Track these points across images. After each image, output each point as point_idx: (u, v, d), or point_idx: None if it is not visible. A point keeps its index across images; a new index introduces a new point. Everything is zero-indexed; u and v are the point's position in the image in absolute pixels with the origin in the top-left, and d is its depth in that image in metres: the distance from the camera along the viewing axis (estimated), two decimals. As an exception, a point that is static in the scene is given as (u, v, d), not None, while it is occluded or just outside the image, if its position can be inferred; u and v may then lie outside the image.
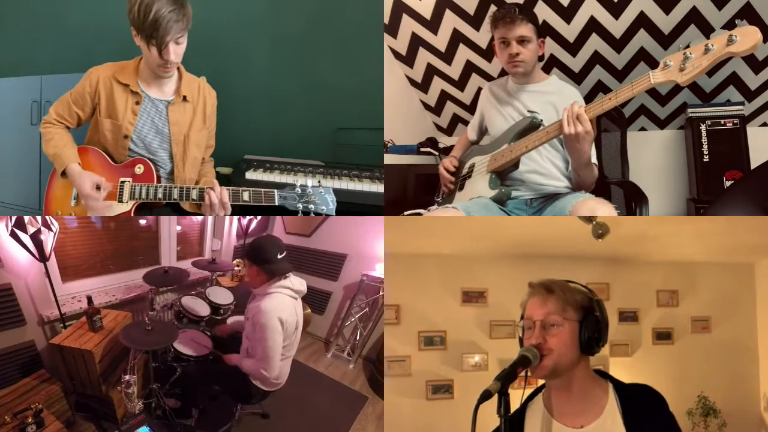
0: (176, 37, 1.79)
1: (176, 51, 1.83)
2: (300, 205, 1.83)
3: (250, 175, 2.33)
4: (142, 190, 1.89)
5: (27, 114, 2.60)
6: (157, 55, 1.80)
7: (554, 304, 1.16)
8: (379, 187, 2.28)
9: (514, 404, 1.19)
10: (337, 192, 1.92)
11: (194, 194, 1.86)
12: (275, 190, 1.83)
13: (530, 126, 2.08)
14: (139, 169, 1.93)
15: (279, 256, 2.21)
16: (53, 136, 1.95)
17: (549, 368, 1.14)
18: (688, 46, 1.59)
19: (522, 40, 2.09)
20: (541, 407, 1.22)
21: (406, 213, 2.30)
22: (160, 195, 1.89)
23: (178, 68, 1.98)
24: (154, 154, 1.98)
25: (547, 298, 1.17)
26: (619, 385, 1.18)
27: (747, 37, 1.49)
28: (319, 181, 1.89)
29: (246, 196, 1.83)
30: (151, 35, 1.76)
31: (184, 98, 1.98)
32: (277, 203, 1.83)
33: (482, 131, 2.50)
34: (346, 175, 2.32)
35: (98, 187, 1.88)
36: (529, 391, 1.25)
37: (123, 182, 1.91)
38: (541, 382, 1.25)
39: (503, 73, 2.46)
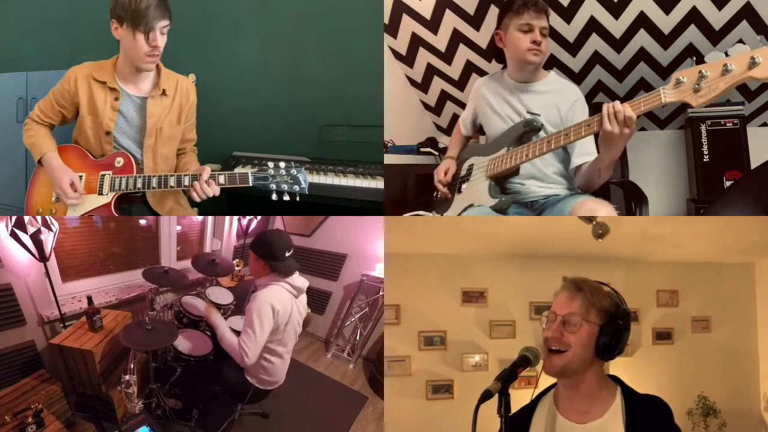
0: (162, 27, 1.84)
1: (162, 40, 1.88)
2: (273, 186, 1.87)
3: (238, 171, 2.33)
4: (121, 182, 1.94)
5: (12, 111, 2.58)
6: (144, 42, 1.84)
7: (579, 303, 1.18)
8: (367, 183, 2.30)
9: (517, 404, 1.21)
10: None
11: (172, 181, 1.90)
12: (249, 172, 1.89)
13: (530, 129, 2.06)
14: (118, 162, 1.97)
15: (287, 254, 2.22)
16: (32, 126, 2.01)
17: (559, 367, 1.16)
18: (699, 55, 1.50)
19: (544, 33, 2.07)
20: (550, 401, 1.25)
21: (406, 215, 2.30)
22: (139, 184, 1.93)
23: (157, 64, 2.01)
24: (136, 148, 2.01)
25: (574, 296, 1.19)
26: (627, 391, 1.20)
27: None
28: (291, 162, 1.93)
29: (222, 179, 1.89)
30: (139, 22, 1.80)
31: (164, 92, 2.01)
32: (251, 184, 1.88)
33: (475, 127, 2.47)
34: (331, 171, 2.33)
35: (74, 189, 1.92)
36: (541, 388, 1.28)
37: (103, 175, 1.95)
38: (542, 385, 1.27)
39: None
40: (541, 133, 2.05)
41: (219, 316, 2.32)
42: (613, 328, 1.17)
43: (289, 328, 2.28)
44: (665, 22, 2.80)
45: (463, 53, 3.33)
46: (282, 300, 2.19)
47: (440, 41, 3.32)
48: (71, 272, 2.86)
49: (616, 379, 1.23)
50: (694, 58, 2.80)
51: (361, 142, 2.48)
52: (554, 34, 3.01)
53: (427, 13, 3.18)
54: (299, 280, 2.29)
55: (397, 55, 3.51)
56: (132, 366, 2.18)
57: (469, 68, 3.42)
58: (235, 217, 4.02)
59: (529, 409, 1.26)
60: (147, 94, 1.99)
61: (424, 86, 3.69)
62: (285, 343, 2.31)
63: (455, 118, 3.83)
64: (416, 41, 3.37)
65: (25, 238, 2.24)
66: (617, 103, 1.65)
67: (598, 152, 1.84)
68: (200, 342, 2.55)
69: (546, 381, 1.27)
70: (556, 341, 1.16)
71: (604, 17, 2.88)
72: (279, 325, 2.19)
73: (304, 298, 2.37)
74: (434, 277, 2.85)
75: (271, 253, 2.19)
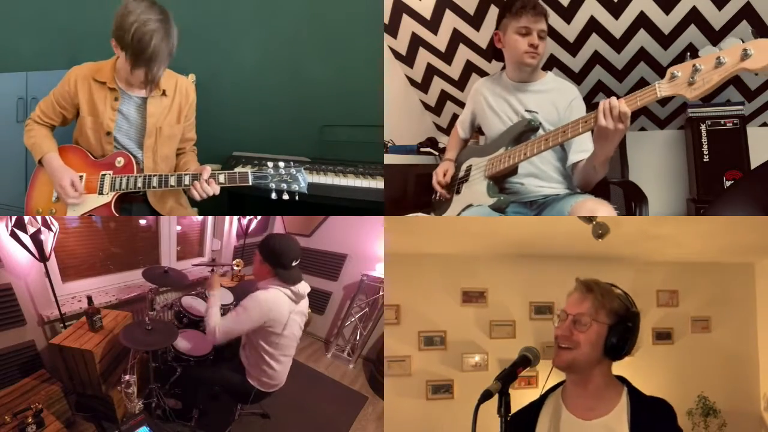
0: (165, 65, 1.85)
1: (162, 71, 1.88)
2: (273, 185, 1.88)
3: (238, 171, 2.33)
4: (122, 181, 1.95)
5: (12, 111, 2.58)
6: (143, 79, 1.85)
7: (589, 304, 1.21)
8: (367, 183, 2.29)
9: (517, 404, 1.23)
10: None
11: (173, 181, 1.91)
12: (249, 171, 1.89)
13: (528, 129, 2.07)
14: (119, 162, 1.97)
15: (293, 264, 2.20)
16: (33, 126, 2.02)
17: (567, 361, 1.20)
18: (697, 54, 1.51)
19: (542, 35, 2.08)
20: (557, 397, 1.28)
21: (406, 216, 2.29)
22: (140, 184, 1.93)
23: None
24: (136, 148, 2.02)
25: (585, 297, 1.23)
26: (634, 392, 1.23)
27: (763, 52, 1.38)
28: (291, 162, 1.93)
29: (222, 178, 1.89)
30: (141, 65, 1.79)
31: (163, 92, 2.01)
32: (251, 183, 1.88)
33: (473, 128, 2.48)
34: (331, 171, 2.33)
35: (74, 188, 1.92)
36: (550, 383, 1.31)
37: (104, 175, 1.96)
38: (547, 383, 1.30)
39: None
40: (540, 132, 2.06)
41: (217, 294, 2.30)
42: (622, 329, 1.20)
43: (289, 333, 2.27)
44: (665, 22, 2.80)
45: (463, 53, 3.33)
46: (278, 305, 2.18)
47: (440, 41, 3.32)
48: (71, 272, 2.86)
49: (623, 380, 1.26)
50: (689, 54, 2.80)
51: (361, 142, 2.48)
52: (554, 34, 3.01)
53: (427, 13, 3.18)
54: (301, 286, 2.28)
55: (397, 55, 3.51)
56: (132, 366, 2.18)
57: (469, 68, 3.42)
58: (235, 217, 4.02)
59: (538, 404, 1.29)
60: (147, 94, 1.99)
61: (424, 86, 3.69)
62: (286, 348, 2.31)
63: (455, 118, 3.82)
64: (416, 41, 3.37)
65: (25, 238, 2.24)
66: (613, 99, 1.66)
67: None
68: (200, 342, 2.55)
69: (551, 380, 1.29)
70: (566, 339, 1.20)
71: (604, 17, 2.87)
72: (275, 329, 2.19)
73: (305, 302, 2.36)
74: (434, 277, 2.85)
75: (279, 260, 2.18)
